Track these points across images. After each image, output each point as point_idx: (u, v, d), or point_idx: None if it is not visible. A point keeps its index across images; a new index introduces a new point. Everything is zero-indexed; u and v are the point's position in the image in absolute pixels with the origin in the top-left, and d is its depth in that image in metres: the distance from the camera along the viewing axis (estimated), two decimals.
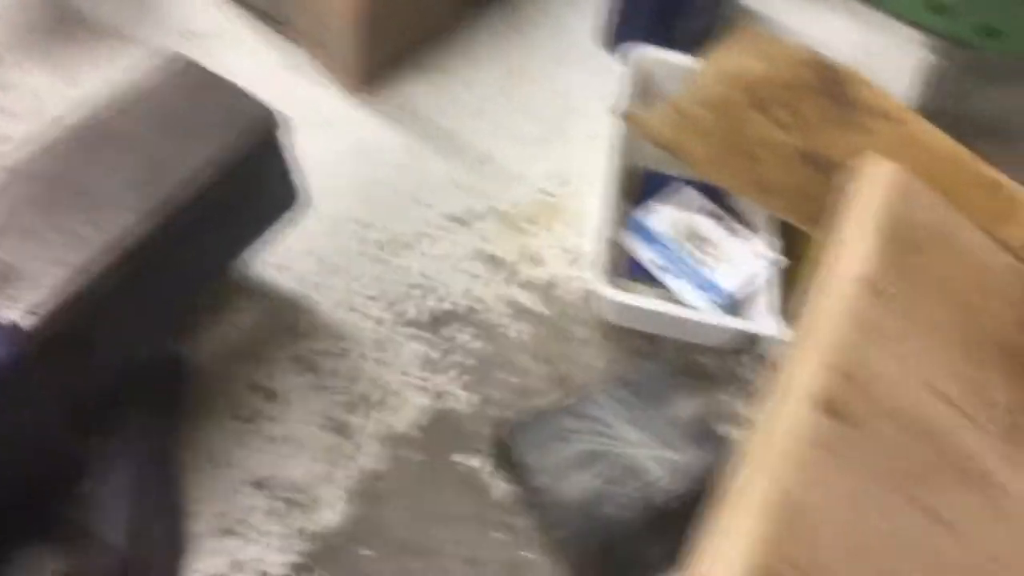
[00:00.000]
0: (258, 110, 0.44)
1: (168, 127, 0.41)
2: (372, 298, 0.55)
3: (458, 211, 0.60)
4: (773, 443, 0.28)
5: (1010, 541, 0.30)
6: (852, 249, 0.33)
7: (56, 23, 0.65)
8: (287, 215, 0.49)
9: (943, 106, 0.66)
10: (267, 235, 0.50)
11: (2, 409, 0.35)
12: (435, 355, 0.54)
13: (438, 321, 0.55)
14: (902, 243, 0.34)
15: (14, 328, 0.34)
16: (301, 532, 0.47)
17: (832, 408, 0.29)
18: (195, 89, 0.43)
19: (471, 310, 0.56)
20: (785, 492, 0.27)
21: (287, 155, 0.46)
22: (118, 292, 0.39)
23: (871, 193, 0.35)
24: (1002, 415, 0.33)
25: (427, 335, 0.54)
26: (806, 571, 0.26)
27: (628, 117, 0.57)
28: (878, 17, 0.75)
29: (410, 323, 0.55)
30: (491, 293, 0.56)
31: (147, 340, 0.44)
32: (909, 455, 0.30)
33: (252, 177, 0.44)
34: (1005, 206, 0.57)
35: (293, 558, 0.46)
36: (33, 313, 0.35)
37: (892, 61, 0.70)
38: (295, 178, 0.48)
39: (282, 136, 0.45)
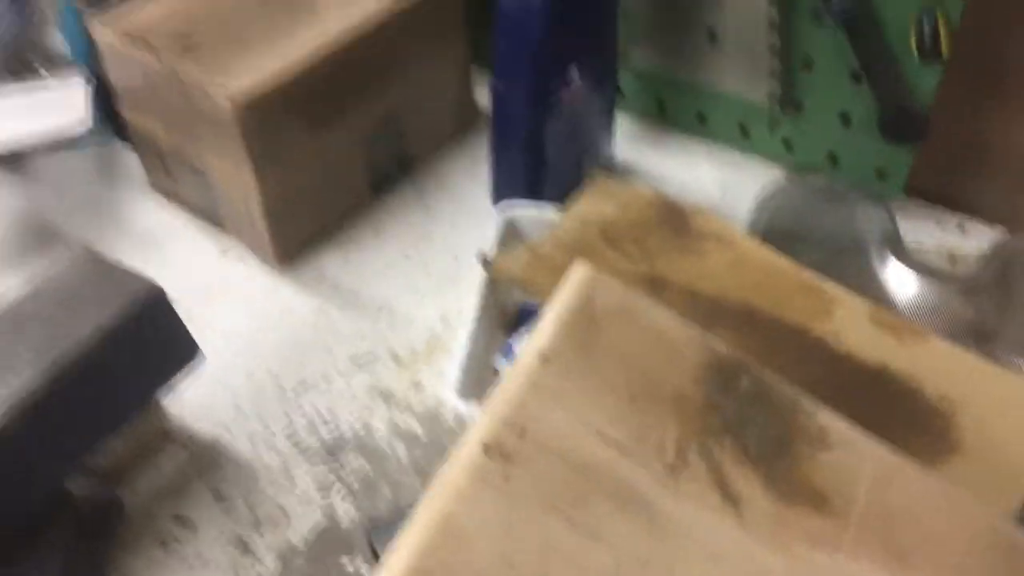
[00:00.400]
0: (145, 285, 0.56)
1: (67, 303, 0.54)
2: (278, 433, 0.65)
3: (357, 355, 0.71)
4: (443, 481, 0.37)
5: (661, 549, 0.38)
6: (537, 333, 0.43)
7: (36, 241, 0.80)
8: (183, 368, 0.60)
9: (782, 226, 0.75)
10: (179, 388, 0.61)
11: None
12: (328, 477, 0.63)
13: (332, 448, 0.64)
14: (580, 323, 0.43)
15: None
16: None
17: (494, 449, 0.38)
18: (93, 272, 0.56)
19: (361, 437, 0.65)
20: (446, 515, 0.35)
21: (176, 320, 0.58)
22: (22, 437, 0.50)
23: (566, 290, 0.45)
24: (669, 454, 0.41)
25: (322, 461, 0.64)
26: (459, 573, 0.35)
27: (483, 260, 0.67)
28: (737, 156, 0.86)
29: (308, 452, 0.64)
30: (379, 421, 0.66)
31: (58, 474, 0.55)
32: (567, 485, 0.38)
33: (142, 339, 0.56)
34: (823, 306, 0.65)
35: None
36: None
37: (748, 190, 0.80)
38: (187, 337, 0.60)
39: (166, 300, 0.57)
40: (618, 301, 0.45)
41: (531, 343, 0.43)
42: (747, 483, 0.41)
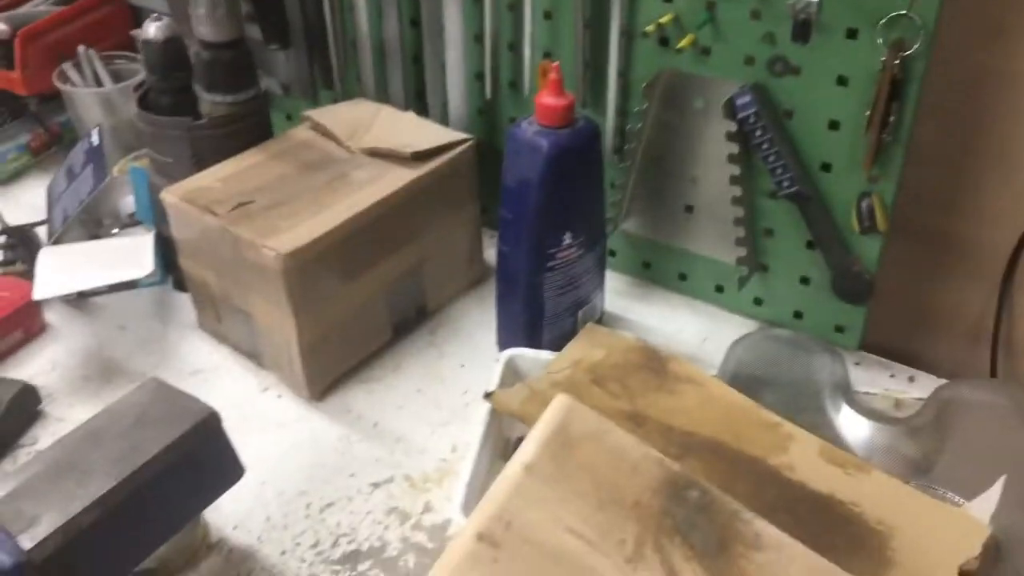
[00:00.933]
0: (203, 409, 0.67)
1: (140, 424, 0.65)
2: (304, 544, 0.75)
3: (376, 479, 0.81)
4: (443, 561, 0.47)
5: None
6: (523, 448, 0.53)
7: (101, 372, 0.92)
8: (231, 485, 0.71)
9: (749, 371, 0.86)
10: (232, 498, 0.71)
11: None
12: None
13: (351, 558, 0.74)
14: (559, 443, 0.53)
15: (22, 550, 0.56)
16: None
17: (485, 537, 0.47)
18: (162, 398, 0.67)
19: (376, 549, 0.74)
20: None
21: (226, 439, 0.69)
22: (96, 534, 0.60)
23: (547, 416, 0.56)
24: (628, 548, 0.50)
25: (341, 569, 0.73)
26: None
27: (488, 395, 0.78)
28: (714, 310, 0.98)
29: (329, 561, 0.74)
30: (393, 535, 0.76)
31: (119, 572, 0.64)
32: (543, 569, 0.47)
33: (200, 456, 0.66)
34: (780, 441, 0.75)
35: None
36: (38, 543, 0.57)
37: (724, 341, 0.91)
38: (235, 456, 0.70)
39: (220, 425, 0.68)
40: (590, 425, 0.55)
41: (517, 456, 0.54)
42: (692, 573, 0.51)
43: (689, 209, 0.95)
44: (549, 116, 0.80)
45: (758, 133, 0.83)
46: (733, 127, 0.84)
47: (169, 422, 0.65)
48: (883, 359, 0.92)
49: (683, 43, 0.84)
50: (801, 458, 0.74)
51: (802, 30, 0.78)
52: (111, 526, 0.61)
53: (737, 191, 0.88)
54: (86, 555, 0.60)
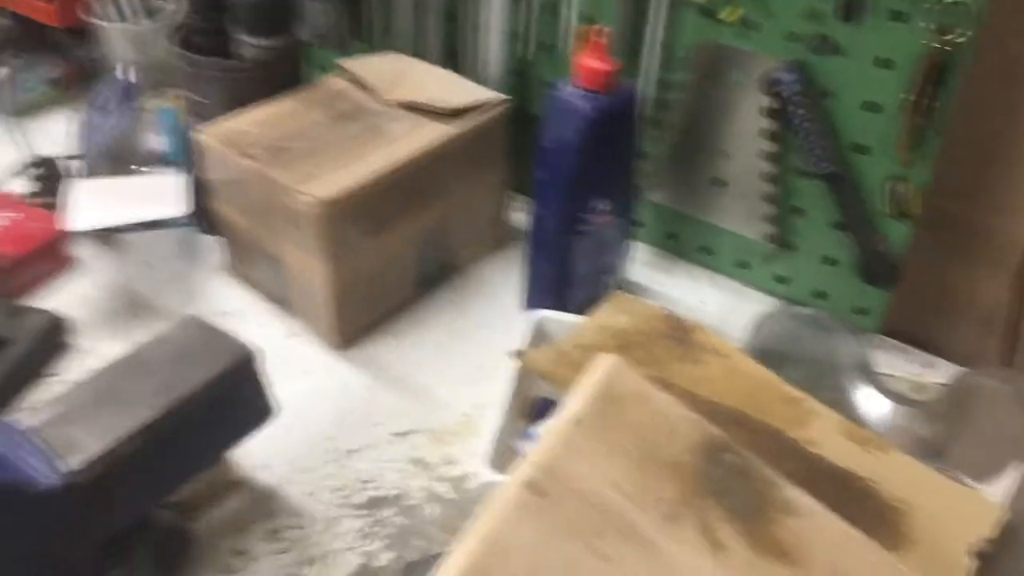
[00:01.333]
0: (242, 348, 0.68)
1: (180, 359, 0.65)
2: (328, 489, 0.76)
3: (399, 429, 0.82)
4: (489, 507, 0.48)
5: (658, 571, 0.49)
6: (571, 402, 0.55)
7: (128, 308, 0.92)
8: (262, 424, 0.72)
9: (773, 347, 0.87)
10: (249, 438, 0.72)
11: (49, 523, 0.56)
12: (368, 528, 0.73)
13: (374, 504, 0.75)
14: (605, 400, 0.54)
15: (70, 471, 0.57)
16: None
17: (532, 486, 0.48)
18: (201, 335, 0.68)
19: (398, 496, 0.76)
20: (492, 532, 0.46)
21: (261, 379, 0.70)
22: (134, 463, 0.61)
23: (594, 371, 0.56)
24: (666, 505, 0.52)
25: (364, 514, 0.74)
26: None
27: (517, 354, 0.79)
28: (737, 286, 0.99)
29: (353, 506, 0.75)
30: (415, 484, 0.77)
31: (153, 502, 0.65)
32: (587, 520, 0.49)
33: (236, 394, 0.67)
34: (801, 415, 0.77)
35: None
36: (83, 465, 0.58)
37: (746, 317, 0.92)
38: (268, 397, 0.71)
39: (257, 365, 0.68)
40: (634, 385, 0.56)
41: (565, 409, 0.55)
42: (728, 534, 0.52)
43: (718, 183, 0.95)
44: (592, 80, 0.80)
45: (797, 111, 0.83)
46: (771, 103, 0.85)
47: (209, 358, 0.66)
48: (901, 343, 0.93)
49: (729, 16, 0.84)
50: (822, 433, 0.75)
51: (849, 9, 0.79)
52: (150, 456, 0.62)
53: (770, 168, 0.88)
54: (125, 482, 0.61)
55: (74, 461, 0.57)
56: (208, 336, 0.68)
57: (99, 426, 0.60)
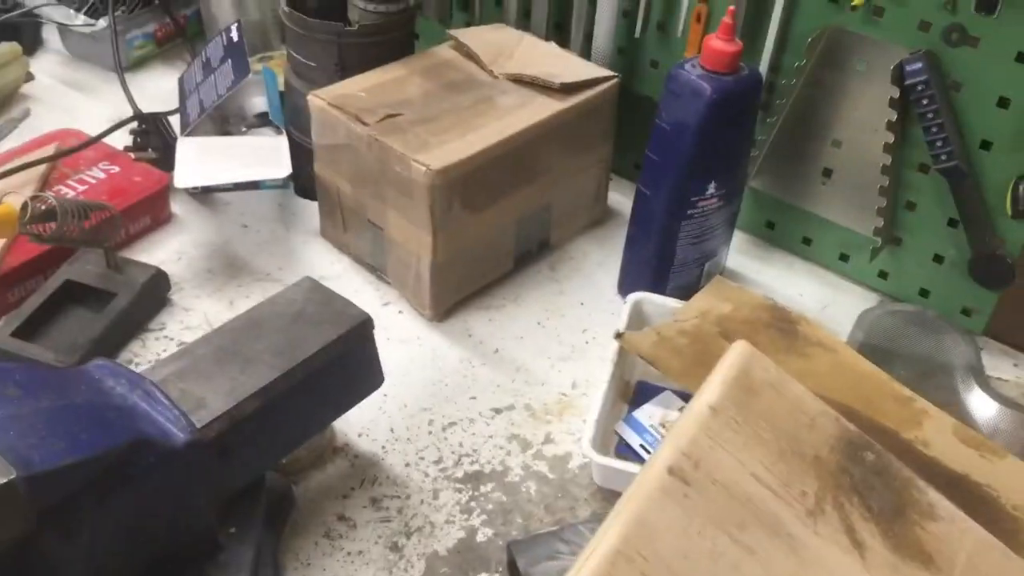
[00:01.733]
0: (360, 314, 0.67)
1: (299, 321, 0.65)
2: (427, 460, 0.76)
3: (497, 405, 0.81)
4: (636, 490, 0.47)
5: (801, 570, 0.47)
6: (707, 390, 0.53)
7: (225, 267, 0.92)
8: (372, 391, 0.71)
9: (878, 343, 0.85)
10: (357, 406, 0.72)
11: (180, 476, 0.56)
12: (468, 502, 0.73)
13: (473, 478, 0.74)
14: (742, 388, 0.53)
15: (197, 429, 0.56)
16: None
17: (676, 472, 0.47)
18: (318, 298, 0.67)
19: (498, 472, 0.75)
20: (640, 513, 0.45)
21: (375, 349, 0.69)
22: (256, 422, 0.61)
23: (728, 360, 0.55)
24: (809, 500, 0.50)
25: (464, 488, 0.74)
26: (647, 558, 0.44)
27: (620, 336, 0.78)
28: (835, 279, 0.97)
29: (452, 479, 0.74)
30: (514, 462, 0.76)
31: (269, 462, 0.65)
32: (731, 510, 0.48)
33: (351, 359, 0.67)
34: (914, 415, 0.75)
35: None
36: (207, 423, 0.58)
37: (844, 311, 0.90)
38: (379, 365, 0.71)
39: (373, 333, 0.68)
40: (771, 375, 0.55)
41: (701, 397, 0.53)
42: (870, 534, 0.51)
43: (827, 173, 0.93)
44: (716, 61, 0.78)
45: (924, 102, 0.81)
46: (897, 93, 0.82)
47: (327, 322, 0.66)
48: (1006, 347, 0.91)
49: (857, 1, 0.82)
50: (935, 435, 0.73)
51: (987, 0, 0.76)
52: (269, 416, 0.61)
53: (887, 160, 0.86)
54: (244, 441, 0.60)
55: (202, 418, 0.57)
56: (326, 300, 0.68)
57: (223, 384, 0.60)
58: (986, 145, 0.82)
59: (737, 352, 0.56)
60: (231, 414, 0.58)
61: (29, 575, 0.50)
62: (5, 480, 0.46)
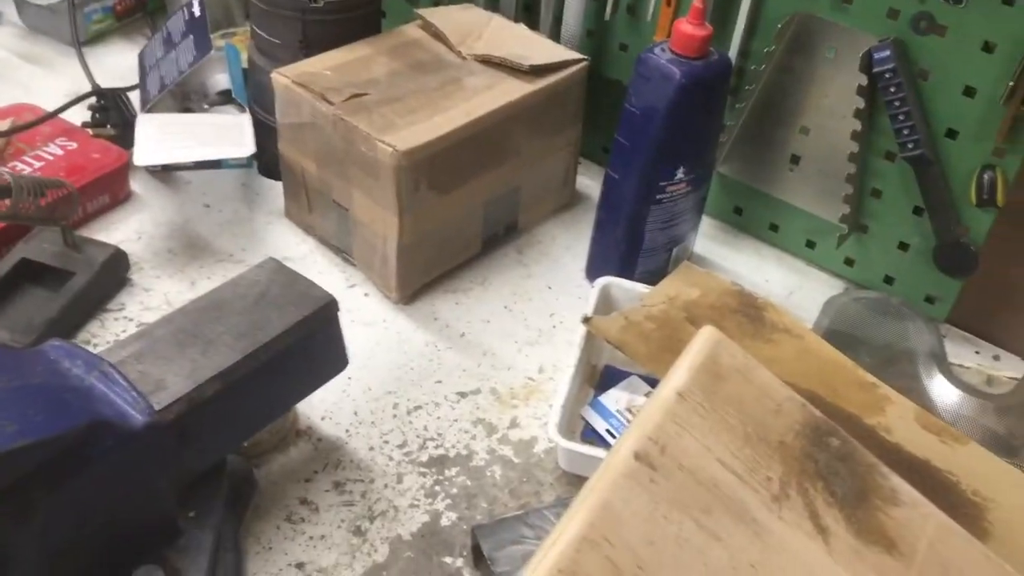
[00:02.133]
0: (324, 295, 0.66)
1: (262, 302, 0.64)
2: (391, 444, 0.75)
3: (462, 388, 0.80)
4: (601, 476, 0.47)
5: (765, 555, 0.47)
6: (674, 375, 0.53)
7: (186, 248, 0.91)
8: (336, 374, 0.70)
9: (844, 330, 0.86)
10: (321, 389, 0.71)
11: (135, 461, 0.55)
12: (432, 486, 0.72)
13: (437, 462, 0.74)
14: (709, 373, 0.53)
15: (156, 411, 0.55)
16: None
17: (642, 457, 0.47)
18: (281, 279, 0.66)
19: (463, 457, 0.74)
20: (605, 499, 0.45)
21: (339, 331, 0.68)
22: (217, 404, 0.60)
23: (695, 345, 0.55)
24: (774, 486, 0.50)
25: (428, 472, 0.73)
26: (613, 544, 0.44)
27: (588, 320, 0.78)
28: (802, 265, 0.97)
29: (417, 463, 0.74)
30: (480, 446, 0.75)
31: (230, 445, 0.64)
32: (696, 495, 0.47)
33: (315, 342, 0.66)
34: (877, 402, 0.75)
35: None
36: (167, 405, 0.56)
37: (810, 297, 0.91)
38: (343, 348, 0.70)
39: (337, 315, 0.67)
40: (738, 360, 0.55)
41: (668, 382, 0.53)
42: (834, 520, 0.51)
43: (795, 159, 0.93)
44: (686, 45, 0.78)
45: (891, 90, 0.81)
46: (865, 81, 0.82)
47: (290, 304, 0.64)
48: (968, 334, 0.92)
49: None
50: (897, 421, 0.73)
51: None
52: (230, 398, 0.60)
53: (854, 147, 0.86)
54: (204, 424, 0.59)
55: (161, 400, 0.56)
56: (289, 281, 0.67)
57: (183, 366, 0.59)
58: (952, 134, 0.82)
59: (704, 338, 0.56)
60: (191, 396, 0.57)
61: None
62: None
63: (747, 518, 0.49)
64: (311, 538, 0.68)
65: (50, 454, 0.50)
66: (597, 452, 0.71)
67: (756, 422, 0.53)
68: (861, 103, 0.84)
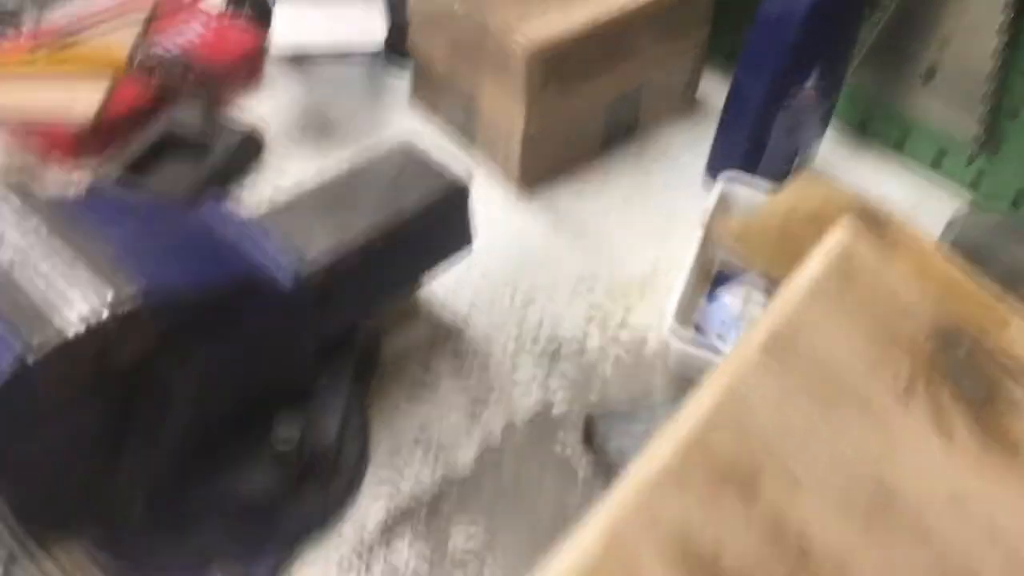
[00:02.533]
0: (458, 177, 0.68)
1: (398, 178, 0.66)
2: (507, 329, 0.77)
3: (578, 283, 0.82)
4: (730, 364, 0.48)
5: (889, 452, 0.48)
6: (807, 268, 0.54)
7: (317, 130, 0.94)
8: (462, 253, 0.73)
9: (967, 248, 0.84)
10: (446, 265, 0.73)
11: (284, 317, 0.58)
12: (545, 378, 0.74)
13: (552, 355, 0.76)
14: (840, 269, 0.53)
15: (301, 276, 0.58)
16: (444, 466, 0.67)
17: (771, 348, 0.48)
18: (416, 159, 0.68)
19: (575, 352, 0.76)
20: (734, 387, 0.46)
21: (469, 213, 0.70)
22: (355, 268, 0.62)
23: (831, 240, 0.55)
24: (900, 383, 0.51)
25: (541, 362, 0.75)
26: (742, 427, 0.46)
27: (708, 222, 0.78)
28: (927, 181, 0.95)
29: (532, 352, 0.76)
30: (592, 343, 0.77)
31: (363, 312, 0.68)
32: (824, 386, 0.49)
33: (447, 218, 0.68)
34: (1003, 317, 0.74)
35: (434, 489, 0.66)
36: (310, 267, 0.59)
37: (933, 215, 0.89)
38: (471, 228, 0.72)
39: (469, 196, 0.69)
40: (870, 260, 0.55)
41: (801, 276, 0.54)
42: (960, 420, 0.51)
43: (930, 73, 0.90)
44: None
45: None
46: None
47: (426, 183, 0.67)
48: None
49: None
50: (1022, 335, 0.73)
51: None
52: (367, 268, 0.63)
53: (994, 63, 0.83)
54: (344, 289, 0.62)
55: (306, 266, 0.59)
56: (424, 161, 0.69)
57: (326, 235, 0.62)
58: None
59: (839, 234, 0.56)
60: (333, 264, 0.60)
61: (143, 396, 0.53)
62: (131, 299, 0.48)
63: (873, 411, 0.49)
64: (429, 414, 0.71)
65: (209, 301, 0.53)
66: (708, 354, 0.72)
67: (886, 322, 0.53)
68: (1007, 17, 0.81)
